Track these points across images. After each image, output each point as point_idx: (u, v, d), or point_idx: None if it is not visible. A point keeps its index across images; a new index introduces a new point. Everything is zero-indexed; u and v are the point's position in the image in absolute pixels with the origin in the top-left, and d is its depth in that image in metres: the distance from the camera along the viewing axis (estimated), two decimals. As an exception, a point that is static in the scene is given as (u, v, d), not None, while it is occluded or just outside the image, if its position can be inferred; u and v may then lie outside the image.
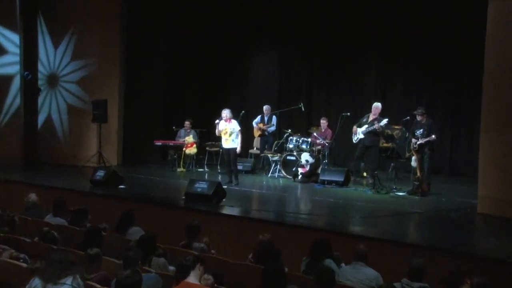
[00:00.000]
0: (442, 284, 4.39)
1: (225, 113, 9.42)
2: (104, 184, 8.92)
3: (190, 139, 11.33)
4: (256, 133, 11.69)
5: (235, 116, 9.76)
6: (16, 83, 12.06)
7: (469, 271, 4.60)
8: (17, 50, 12.03)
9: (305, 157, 10.24)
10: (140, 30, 12.26)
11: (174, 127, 11.69)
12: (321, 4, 12.09)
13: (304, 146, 10.47)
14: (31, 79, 12.27)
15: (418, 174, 8.61)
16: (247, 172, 11.05)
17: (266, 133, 11.48)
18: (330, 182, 9.64)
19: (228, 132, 9.38)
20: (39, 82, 12.58)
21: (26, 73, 12.10)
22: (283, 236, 6.27)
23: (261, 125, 11.51)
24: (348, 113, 10.39)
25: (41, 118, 12.69)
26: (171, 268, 4.76)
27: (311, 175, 10.10)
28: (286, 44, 13.20)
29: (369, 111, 9.81)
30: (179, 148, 11.33)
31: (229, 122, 9.42)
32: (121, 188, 9.05)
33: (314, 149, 10.44)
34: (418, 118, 8.83)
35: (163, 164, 11.86)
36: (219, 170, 11.17)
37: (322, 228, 6.63)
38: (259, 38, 13.50)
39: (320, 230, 6.38)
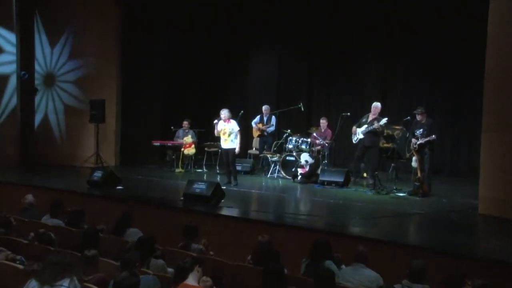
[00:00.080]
0: (443, 285, 4.36)
1: (224, 113, 9.38)
2: (101, 185, 8.89)
3: (188, 139, 11.30)
4: (255, 133, 11.65)
5: (234, 116, 9.72)
6: (13, 82, 12.03)
7: (470, 272, 4.59)
8: (14, 49, 11.99)
9: (305, 157, 10.21)
10: (140, 30, 12.24)
11: (172, 127, 11.65)
12: (321, 4, 12.09)
13: (303, 147, 10.44)
14: (28, 79, 12.24)
15: (419, 174, 8.57)
16: (246, 172, 11.02)
17: (265, 133, 11.45)
18: (330, 183, 9.62)
19: (227, 132, 9.34)
20: (36, 82, 12.53)
21: (23, 72, 12.06)
22: (283, 237, 6.24)
23: (260, 125, 11.47)
24: (348, 113, 10.36)
25: (37, 118, 12.66)
26: (170, 270, 4.72)
27: (310, 176, 10.07)
28: (286, 44, 13.20)
29: (369, 111, 9.79)
30: (178, 148, 11.30)
31: (228, 122, 9.38)
32: (118, 189, 9.01)
33: (313, 149, 10.41)
34: (418, 118, 8.81)
35: (161, 165, 11.83)
36: (217, 171, 11.14)
37: (322, 229, 6.60)
38: (259, 38, 13.49)
39: (320, 231, 6.36)
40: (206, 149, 11.73)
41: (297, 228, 6.65)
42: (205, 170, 11.50)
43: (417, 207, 8.03)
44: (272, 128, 11.51)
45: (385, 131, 9.57)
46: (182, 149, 11.21)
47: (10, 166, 11.29)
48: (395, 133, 9.72)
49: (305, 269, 4.87)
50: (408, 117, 9.09)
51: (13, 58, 12.00)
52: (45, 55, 12.54)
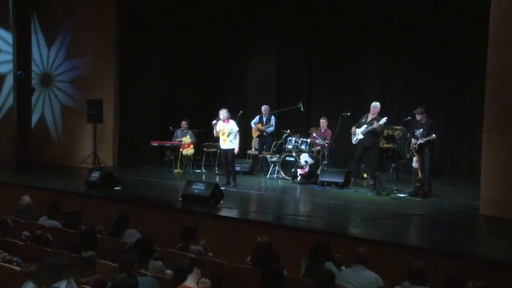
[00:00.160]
0: (444, 286, 4.33)
1: (223, 113, 9.34)
2: (99, 186, 8.85)
3: (187, 139, 11.25)
4: (255, 133, 11.61)
5: (233, 116, 9.68)
6: (9, 82, 11.96)
7: (471, 273, 4.58)
8: (10, 49, 11.94)
9: (304, 158, 10.17)
10: (138, 30, 12.21)
11: (171, 128, 11.61)
12: (321, 4, 12.06)
13: (303, 147, 10.40)
14: (25, 78, 12.19)
15: (420, 175, 8.53)
16: (245, 173, 10.98)
17: (265, 133, 11.40)
18: (329, 183, 9.58)
19: (226, 132, 9.30)
20: (32, 82, 12.48)
21: (19, 72, 12.00)
22: (282, 238, 6.21)
23: (259, 126, 11.43)
24: (348, 113, 10.32)
25: (34, 119, 12.62)
26: (168, 271, 4.71)
27: (310, 176, 10.02)
28: (285, 44, 13.16)
29: (369, 111, 9.75)
30: (176, 149, 11.25)
31: (227, 123, 9.34)
32: (116, 189, 8.97)
33: (313, 149, 10.37)
34: (418, 117, 8.78)
35: (159, 165, 11.79)
36: (216, 171, 11.09)
37: (322, 230, 6.59)
38: (258, 37, 13.44)
39: (319, 232, 6.34)
40: (205, 149, 11.69)
41: (297, 229, 6.63)
42: (204, 170, 11.44)
43: (417, 208, 8.00)
44: (271, 128, 11.46)
45: (385, 131, 9.54)
46: (181, 150, 11.16)
47: (7, 167, 11.23)
48: (396, 133, 9.69)
49: (305, 271, 4.86)
50: (409, 117, 9.05)
51: (9, 57, 11.95)
52: (42, 54, 12.50)
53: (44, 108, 12.51)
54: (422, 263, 4.46)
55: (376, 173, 9.18)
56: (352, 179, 9.82)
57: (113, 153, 12.07)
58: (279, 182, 10.38)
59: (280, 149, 11.21)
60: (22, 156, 12.08)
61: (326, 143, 10.47)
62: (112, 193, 8.73)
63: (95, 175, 9.08)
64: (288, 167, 10.48)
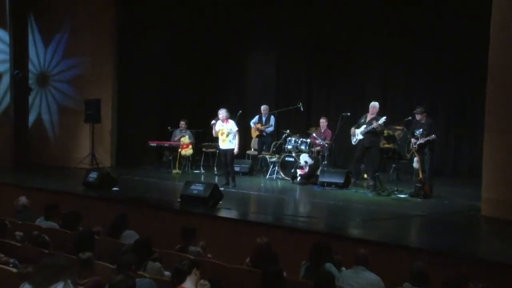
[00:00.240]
0: (445, 288, 4.29)
1: (222, 113, 9.30)
2: (97, 186, 8.82)
3: (186, 139, 11.22)
4: (254, 133, 11.58)
5: (232, 116, 9.65)
6: (5, 81, 11.92)
7: (472, 275, 4.54)
8: (7, 48, 11.90)
9: (304, 158, 10.13)
10: (137, 29, 12.18)
11: (169, 128, 11.56)
12: (320, 4, 12.04)
13: (303, 147, 10.36)
14: (22, 78, 12.16)
15: (420, 175, 8.49)
16: (244, 173, 10.94)
17: (264, 133, 11.37)
18: (329, 184, 9.54)
19: (225, 132, 9.27)
20: (29, 81, 12.44)
21: (16, 72, 11.95)
22: (282, 239, 6.18)
23: (259, 126, 11.39)
24: (348, 113, 10.30)
25: (31, 119, 12.57)
26: (167, 273, 4.68)
27: (310, 177, 9.99)
28: (285, 44, 13.15)
29: (369, 111, 9.70)
30: (175, 149, 11.21)
31: (226, 123, 9.30)
32: (114, 190, 8.93)
33: (313, 150, 10.34)
34: (418, 117, 8.77)
35: (158, 166, 11.76)
36: (215, 172, 11.06)
37: (322, 231, 6.57)
38: (258, 37, 13.43)
39: (319, 233, 6.32)
40: (203, 149, 11.66)
41: (297, 230, 6.60)
42: (202, 171, 11.41)
43: (418, 208, 7.95)
44: (271, 129, 11.43)
45: (386, 131, 9.52)
46: (179, 150, 11.13)
47: (3, 167, 11.18)
48: (396, 133, 9.66)
49: (304, 272, 4.82)
50: (410, 117, 9.03)
51: (6, 57, 11.91)
52: (38, 54, 12.46)
53: (41, 108, 12.47)
54: (422, 264, 4.44)
55: (377, 174, 9.15)
56: (352, 180, 9.79)
57: (111, 153, 12.04)
58: (279, 183, 10.35)
59: (280, 149, 11.17)
60: (18, 157, 12.05)
61: (326, 143, 10.43)
62: (110, 194, 8.69)
63: (93, 175, 9.05)
64: (287, 167, 10.45)
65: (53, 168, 11.34)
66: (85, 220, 6.52)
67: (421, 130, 8.58)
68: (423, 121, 8.68)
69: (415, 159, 8.80)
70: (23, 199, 6.92)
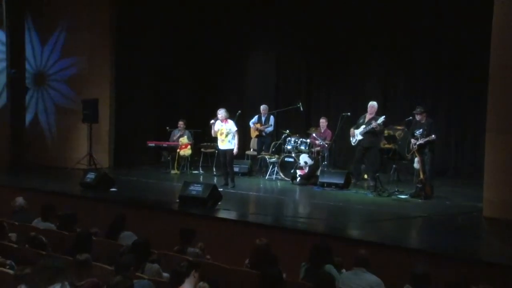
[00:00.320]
0: (446, 290, 4.26)
1: (221, 113, 9.26)
2: (94, 187, 8.80)
3: (184, 140, 11.18)
4: (253, 133, 11.54)
5: (231, 116, 9.61)
6: (2, 81, 11.87)
7: (474, 277, 4.56)
8: (3, 48, 11.86)
9: (304, 158, 10.10)
10: (136, 29, 12.15)
11: (167, 128, 11.52)
12: (320, 4, 12.01)
13: (302, 147, 10.33)
14: (18, 77, 12.12)
15: (421, 176, 8.45)
16: (243, 174, 10.91)
17: (264, 133, 11.33)
18: (329, 185, 9.51)
19: (225, 132, 9.23)
20: (26, 81, 12.39)
21: (12, 71, 11.89)
22: (281, 240, 6.16)
23: (258, 126, 11.35)
24: (348, 113, 10.27)
25: (27, 119, 12.53)
26: (165, 274, 4.67)
27: (310, 177, 9.96)
28: (285, 44, 13.13)
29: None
30: (173, 149, 11.17)
31: (225, 123, 9.26)
32: (112, 191, 8.90)
33: (313, 150, 10.31)
34: (418, 117, 8.74)
35: (156, 166, 11.72)
36: (214, 172, 11.03)
37: (322, 233, 6.55)
38: (258, 37, 13.41)
39: (319, 235, 6.30)
40: (202, 150, 11.62)
41: (296, 232, 6.59)
42: (201, 171, 11.37)
43: (419, 209, 7.92)
44: (270, 129, 11.39)
45: (386, 131, 9.48)
46: (178, 150, 11.09)
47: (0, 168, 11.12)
48: (397, 133, 9.61)
49: (304, 274, 4.80)
50: (410, 117, 8.99)
51: (2, 56, 11.88)
52: (35, 53, 12.41)
53: (37, 108, 12.42)
54: (424, 266, 4.45)
55: (377, 174, 9.12)
56: (353, 181, 9.76)
57: (109, 154, 11.98)
58: (278, 183, 10.32)
59: (279, 150, 11.13)
60: (15, 157, 11.99)
61: (326, 143, 10.39)
62: (108, 195, 8.67)
63: (91, 176, 9.02)
64: (287, 168, 10.42)
65: (50, 169, 11.31)
66: (82, 221, 6.52)
67: (421, 130, 8.55)
68: (423, 121, 8.65)
69: (416, 159, 8.75)
70: (20, 200, 6.90)
